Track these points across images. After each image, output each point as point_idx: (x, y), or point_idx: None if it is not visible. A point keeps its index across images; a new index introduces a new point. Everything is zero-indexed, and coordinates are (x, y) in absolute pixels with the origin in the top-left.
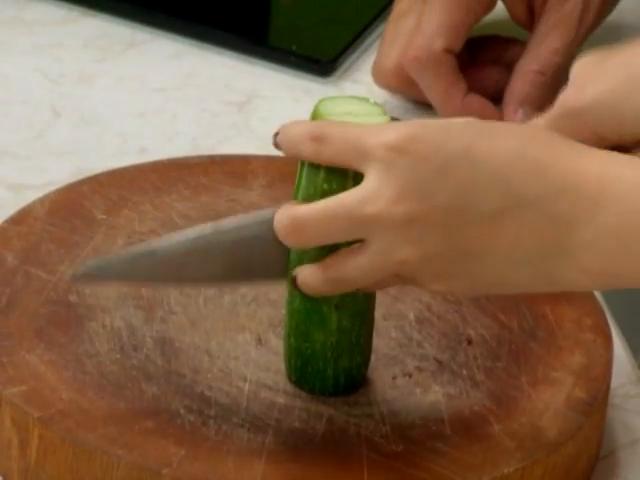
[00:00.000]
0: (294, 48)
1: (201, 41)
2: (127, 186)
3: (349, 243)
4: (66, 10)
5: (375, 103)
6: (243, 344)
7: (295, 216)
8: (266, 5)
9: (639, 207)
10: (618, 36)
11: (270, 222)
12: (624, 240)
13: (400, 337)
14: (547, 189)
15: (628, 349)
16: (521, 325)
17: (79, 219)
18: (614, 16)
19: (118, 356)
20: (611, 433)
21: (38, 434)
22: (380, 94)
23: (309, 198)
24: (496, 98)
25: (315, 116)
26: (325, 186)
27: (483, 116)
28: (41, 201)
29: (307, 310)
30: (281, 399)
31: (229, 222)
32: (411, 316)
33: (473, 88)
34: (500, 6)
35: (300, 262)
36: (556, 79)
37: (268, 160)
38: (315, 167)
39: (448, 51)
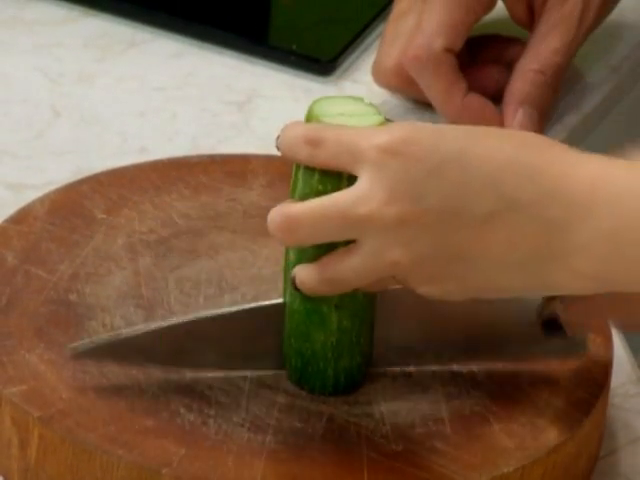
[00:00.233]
0: (294, 48)
1: (201, 41)
2: (127, 185)
3: (347, 242)
4: (66, 10)
5: (370, 103)
6: None
7: (289, 214)
8: (266, 5)
9: (632, 211)
10: (619, 36)
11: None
12: (617, 244)
13: None
14: (539, 194)
15: (628, 349)
16: None
17: (79, 218)
18: (614, 15)
19: None
20: (611, 432)
21: (38, 434)
22: (380, 94)
23: (305, 198)
24: (496, 98)
25: (309, 117)
26: (320, 187)
27: (483, 115)
28: (41, 200)
29: (307, 310)
30: (281, 398)
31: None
32: None
33: (473, 87)
34: (500, 5)
35: (299, 262)
36: (556, 79)
37: (268, 160)
38: (310, 168)
39: (448, 50)
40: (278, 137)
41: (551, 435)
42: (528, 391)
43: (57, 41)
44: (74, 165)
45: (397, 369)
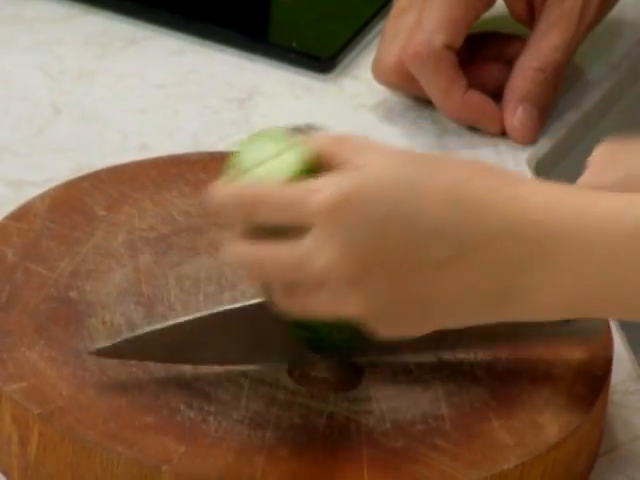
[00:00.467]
0: (294, 45)
1: (202, 38)
2: (127, 183)
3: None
4: (67, 7)
5: (286, 131)
6: None
7: (248, 254)
8: (266, 2)
9: (589, 244)
10: (619, 33)
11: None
12: (581, 275)
13: None
14: (494, 233)
15: (628, 346)
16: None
17: (79, 215)
18: (615, 12)
19: None
20: (611, 430)
21: (38, 431)
22: (380, 91)
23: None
24: (496, 95)
25: (236, 168)
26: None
27: (483, 112)
28: (41, 197)
29: None
30: (281, 395)
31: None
32: None
33: (473, 85)
34: (500, 3)
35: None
36: (556, 76)
37: None
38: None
39: (448, 47)
40: (211, 197)
41: (551, 432)
42: (528, 388)
43: (57, 38)
44: (74, 162)
45: (398, 365)
